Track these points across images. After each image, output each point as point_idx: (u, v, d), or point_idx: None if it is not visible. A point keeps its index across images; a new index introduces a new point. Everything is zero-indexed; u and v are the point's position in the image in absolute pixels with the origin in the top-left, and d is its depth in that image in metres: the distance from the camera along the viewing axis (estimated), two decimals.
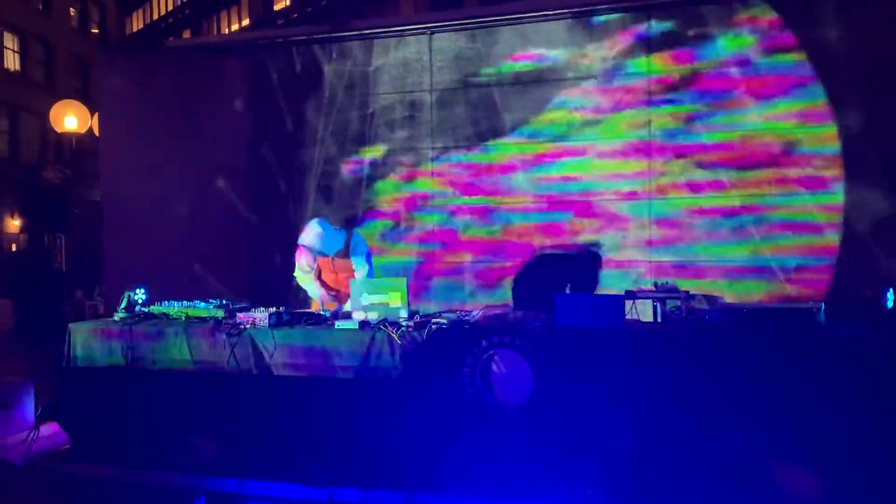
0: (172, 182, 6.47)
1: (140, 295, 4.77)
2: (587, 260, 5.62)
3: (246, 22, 29.50)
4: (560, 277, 5.47)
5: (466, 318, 4.18)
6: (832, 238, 5.09)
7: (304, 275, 5.00)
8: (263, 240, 6.39)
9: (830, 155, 5.11)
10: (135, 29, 36.80)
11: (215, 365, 4.26)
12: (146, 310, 4.67)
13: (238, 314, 4.37)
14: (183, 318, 4.52)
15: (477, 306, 5.41)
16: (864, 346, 3.58)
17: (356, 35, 6.23)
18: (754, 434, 3.56)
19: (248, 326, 4.26)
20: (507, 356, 3.81)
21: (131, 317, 4.59)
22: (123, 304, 4.67)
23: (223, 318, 4.40)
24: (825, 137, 5.13)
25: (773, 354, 3.62)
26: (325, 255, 4.91)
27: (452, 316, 4.23)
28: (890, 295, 3.84)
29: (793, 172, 5.18)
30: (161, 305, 4.67)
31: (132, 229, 6.46)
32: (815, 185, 5.14)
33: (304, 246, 4.88)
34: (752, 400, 3.59)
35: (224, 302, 4.69)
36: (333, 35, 6.27)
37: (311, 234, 4.81)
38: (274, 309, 4.41)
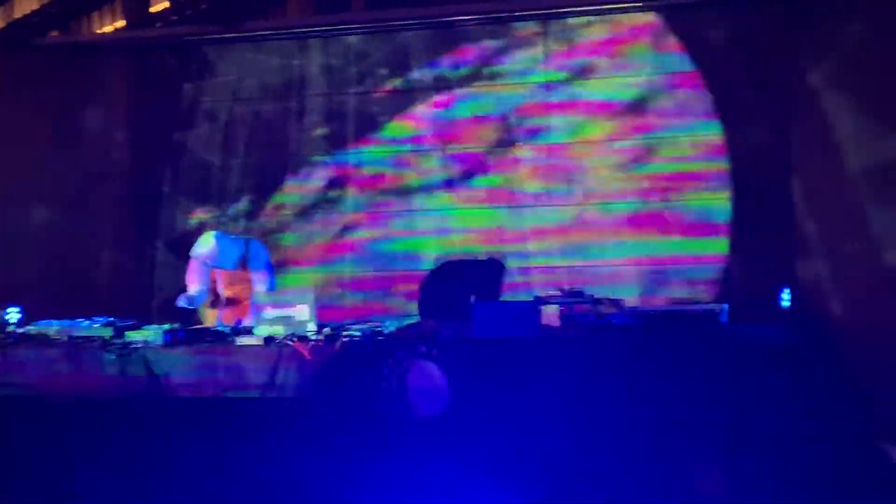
0: (44, 189, 5.98)
1: (13, 314, 4.34)
2: (489, 265, 5.63)
3: (121, 23, 28.07)
4: (465, 284, 5.52)
5: (379, 329, 4.05)
6: (724, 240, 5.33)
7: (195, 290, 4.69)
8: (148, 251, 6.01)
9: (718, 155, 5.36)
10: None
11: (103, 389, 3.92)
12: (21, 331, 4.24)
13: (128, 333, 4.04)
14: (65, 339, 4.13)
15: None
16: (763, 344, 3.72)
17: (239, 37, 6.01)
18: (667, 435, 3.61)
19: (139, 346, 3.95)
20: (424, 367, 3.71)
21: (4, 339, 4.15)
22: None
23: (111, 337, 4.05)
24: (712, 137, 5.37)
25: (680, 355, 3.71)
26: (221, 267, 4.64)
27: (364, 328, 4.09)
28: (785, 294, 4.03)
29: (682, 177, 5.41)
30: (39, 325, 4.25)
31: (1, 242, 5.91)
32: (707, 190, 5.37)
33: (197, 259, 4.59)
34: (663, 401, 3.66)
35: (111, 320, 4.33)
36: (215, 37, 6.02)
37: (205, 246, 4.54)
38: (168, 326, 4.12)
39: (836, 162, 4.73)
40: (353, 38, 5.88)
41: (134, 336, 3.99)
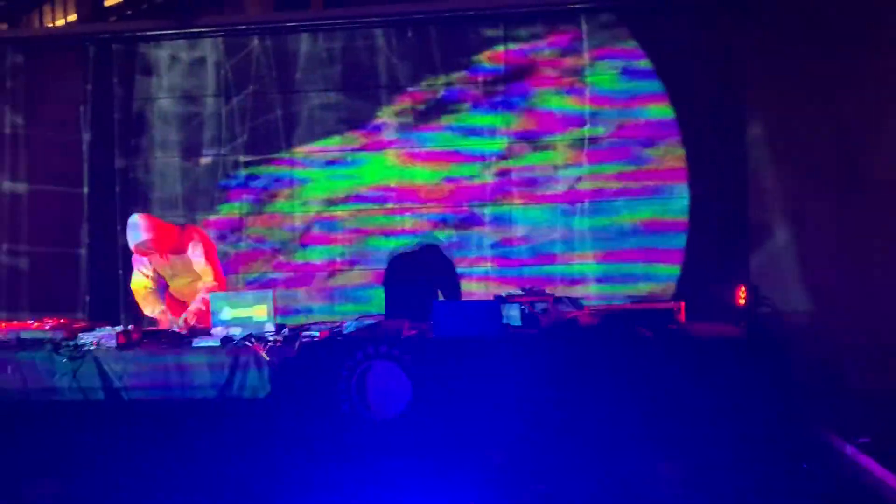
0: None
1: None
2: (447, 262, 5.62)
3: (72, 17, 27.32)
4: (424, 282, 5.50)
5: (339, 329, 4.01)
6: (680, 239, 5.41)
7: (141, 284, 4.54)
8: (102, 251, 5.87)
9: (676, 161, 5.44)
10: None
11: (55, 392, 3.80)
12: None
13: (80, 334, 3.94)
14: (14, 342, 4.00)
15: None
16: (718, 341, 3.78)
17: (197, 32, 5.90)
18: (629, 432, 3.65)
19: (92, 348, 3.85)
20: (384, 368, 3.68)
21: None
22: None
23: (62, 339, 3.94)
24: (671, 145, 5.45)
25: (639, 353, 3.74)
26: (156, 251, 4.39)
27: (323, 328, 4.04)
28: (742, 293, 4.09)
29: (641, 178, 5.48)
30: None
31: None
32: (662, 190, 5.45)
33: (136, 247, 4.34)
34: (622, 399, 3.69)
35: (62, 321, 4.21)
36: (171, 32, 5.91)
37: (135, 230, 4.27)
38: (122, 327, 4.02)
39: (790, 162, 4.83)
40: (308, 36, 5.82)
41: (86, 338, 3.89)
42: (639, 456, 3.62)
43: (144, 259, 4.48)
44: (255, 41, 5.84)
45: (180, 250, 4.49)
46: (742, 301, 4.14)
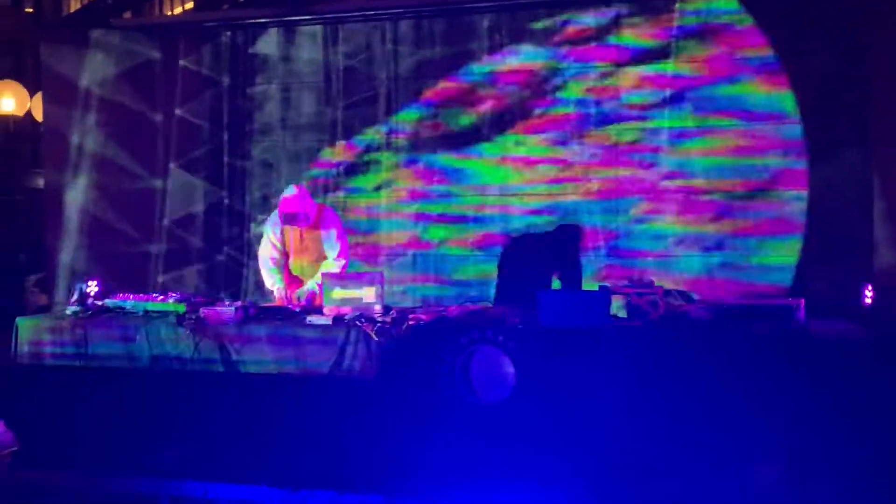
0: (121, 168, 6.14)
1: (92, 287, 4.49)
2: (566, 252, 5.54)
3: (189, 5, 28.60)
4: (542, 271, 5.45)
5: (445, 314, 4.05)
6: (798, 233, 5.15)
7: (268, 254, 4.71)
8: (222, 230, 6.14)
9: (797, 154, 5.17)
10: (72, 10, 35.22)
11: (177, 362, 4.04)
12: (99, 303, 4.40)
13: (201, 308, 4.15)
14: (141, 313, 4.26)
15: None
16: (842, 342, 3.59)
17: (313, 19, 6.01)
18: (736, 431, 3.53)
19: (212, 321, 4.05)
20: (489, 353, 3.69)
21: (84, 311, 4.31)
22: (75, 297, 4.39)
23: (185, 312, 4.17)
24: (791, 133, 5.17)
25: (753, 351, 3.60)
26: (301, 224, 4.57)
27: (430, 311, 4.10)
28: (867, 291, 3.87)
29: (759, 168, 5.23)
30: (116, 299, 4.40)
31: (79, 218, 6.10)
32: (783, 183, 5.19)
33: (286, 215, 4.53)
34: (733, 397, 3.56)
35: (184, 295, 4.45)
36: (288, 18, 6.04)
37: (290, 201, 4.46)
38: (240, 303, 4.22)
39: None
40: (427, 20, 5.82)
41: (207, 311, 4.09)
42: (747, 461, 3.49)
43: (277, 229, 4.67)
44: (370, 28, 5.90)
45: (316, 227, 4.66)
46: (868, 300, 3.91)
